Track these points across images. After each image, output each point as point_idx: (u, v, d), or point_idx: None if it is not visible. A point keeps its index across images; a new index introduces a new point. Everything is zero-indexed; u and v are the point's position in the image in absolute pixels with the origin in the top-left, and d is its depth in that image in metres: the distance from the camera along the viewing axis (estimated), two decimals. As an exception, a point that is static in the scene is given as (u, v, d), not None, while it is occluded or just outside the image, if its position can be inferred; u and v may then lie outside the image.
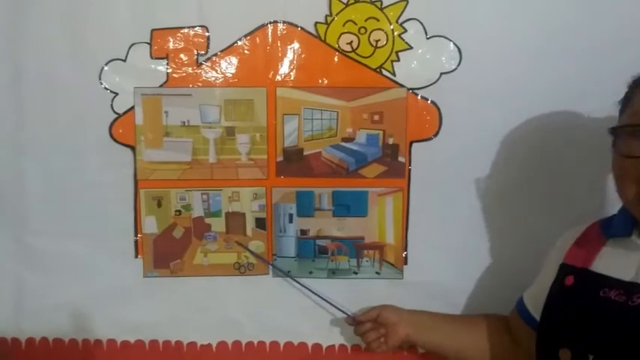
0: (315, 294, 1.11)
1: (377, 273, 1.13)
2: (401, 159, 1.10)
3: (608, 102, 1.03)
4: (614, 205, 0.88)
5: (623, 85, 1.03)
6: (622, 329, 0.75)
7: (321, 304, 1.13)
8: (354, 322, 1.07)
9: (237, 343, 1.16)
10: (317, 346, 1.15)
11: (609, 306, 0.77)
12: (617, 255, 0.81)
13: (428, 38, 1.07)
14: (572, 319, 0.81)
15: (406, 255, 1.13)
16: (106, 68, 1.08)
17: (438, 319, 1.07)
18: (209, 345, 1.16)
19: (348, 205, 1.12)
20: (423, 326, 1.05)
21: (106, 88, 1.09)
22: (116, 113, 1.10)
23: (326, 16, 1.07)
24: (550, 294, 0.87)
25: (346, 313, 1.10)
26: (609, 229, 0.84)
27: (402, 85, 1.08)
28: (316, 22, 1.07)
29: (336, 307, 1.10)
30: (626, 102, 0.81)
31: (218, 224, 1.13)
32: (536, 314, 0.92)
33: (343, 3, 1.07)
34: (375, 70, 1.08)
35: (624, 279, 0.77)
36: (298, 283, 1.11)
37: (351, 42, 1.08)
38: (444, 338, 1.04)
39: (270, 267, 1.14)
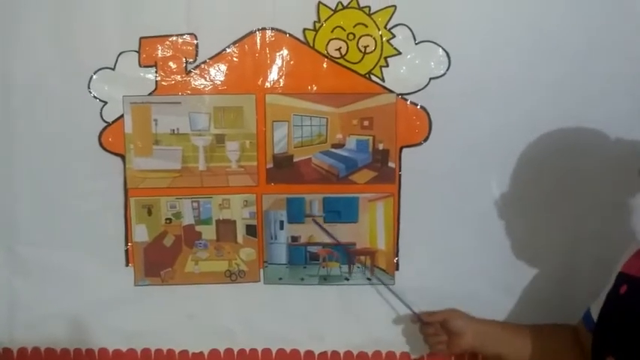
0: (402, 301, 1.09)
1: (368, 279, 1.13)
2: (391, 164, 1.10)
3: (595, 104, 1.05)
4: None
5: (611, 85, 1.05)
6: None
7: (313, 310, 1.13)
8: (420, 320, 1.06)
9: (229, 351, 1.15)
10: (309, 353, 1.15)
11: None
12: None
13: (416, 43, 1.07)
14: (621, 327, 0.81)
15: (397, 261, 1.13)
16: (94, 77, 1.09)
17: (507, 331, 1.04)
18: (201, 353, 1.15)
19: (339, 211, 1.12)
20: (490, 338, 1.02)
21: (95, 97, 1.09)
22: (105, 122, 1.10)
23: (314, 22, 1.07)
24: (606, 301, 0.87)
25: (412, 311, 1.07)
26: None
27: (391, 91, 1.08)
28: (305, 29, 1.07)
29: (407, 306, 1.08)
30: None
31: (209, 232, 1.13)
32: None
33: (331, 9, 1.07)
34: (364, 75, 1.08)
35: None
36: (394, 294, 1.10)
37: (340, 48, 1.08)
38: (511, 351, 1.01)
39: (262, 273, 1.14)
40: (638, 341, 0.77)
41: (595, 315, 0.92)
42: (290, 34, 1.08)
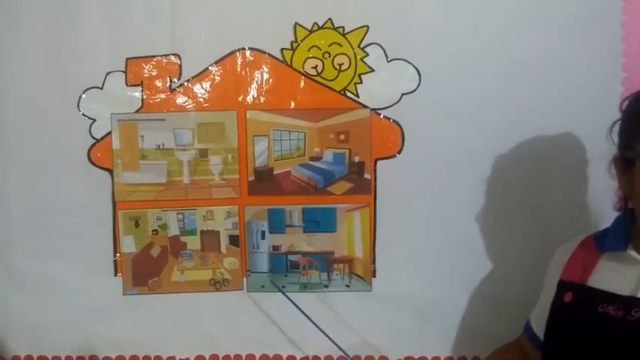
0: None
1: (347, 286, 1.18)
2: (367, 176, 1.15)
3: (561, 116, 1.10)
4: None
5: (576, 97, 1.10)
6: (621, 344, 0.75)
7: (294, 317, 1.18)
8: None
9: (214, 357, 1.20)
10: (291, 358, 1.19)
11: (608, 321, 0.77)
12: (614, 269, 0.82)
13: (388, 61, 1.13)
14: (572, 335, 0.82)
15: (374, 268, 1.17)
16: (84, 96, 1.14)
17: None
18: (187, 359, 1.20)
19: (318, 221, 1.17)
20: None
21: (84, 115, 1.15)
22: (94, 138, 1.15)
23: (291, 42, 1.13)
24: (551, 311, 0.87)
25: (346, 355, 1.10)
26: (604, 244, 0.85)
27: (365, 106, 1.14)
28: (282, 48, 1.13)
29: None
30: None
31: (193, 242, 1.18)
32: (541, 334, 0.91)
33: (307, 30, 1.13)
34: (339, 92, 1.14)
35: (622, 293, 0.78)
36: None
37: (316, 66, 1.13)
38: None
39: (245, 281, 1.18)
40: (589, 346, 0.79)
41: (535, 326, 0.95)
42: (269, 54, 1.14)
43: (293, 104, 1.15)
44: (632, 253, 0.80)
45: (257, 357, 1.20)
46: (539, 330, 0.91)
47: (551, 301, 0.87)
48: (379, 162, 1.15)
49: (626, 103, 0.82)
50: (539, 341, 0.92)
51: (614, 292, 0.78)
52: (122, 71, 1.14)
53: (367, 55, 1.13)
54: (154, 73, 1.14)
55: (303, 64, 1.13)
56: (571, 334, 0.82)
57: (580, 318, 0.81)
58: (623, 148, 0.80)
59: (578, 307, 0.82)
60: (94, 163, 1.16)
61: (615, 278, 0.80)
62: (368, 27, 1.12)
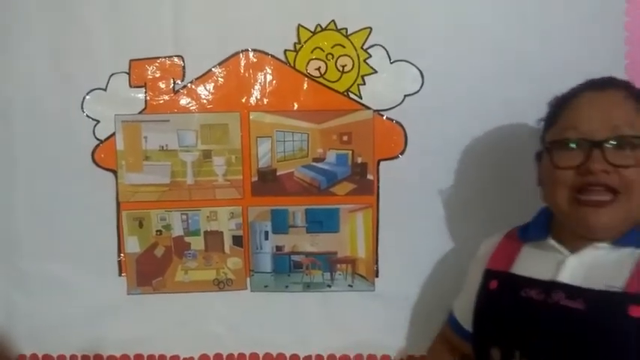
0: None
1: (350, 286, 1.19)
2: (369, 177, 1.16)
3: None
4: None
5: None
6: (542, 325, 0.81)
7: (297, 316, 1.19)
8: None
9: (218, 356, 1.21)
10: (295, 357, 1.21)
11: (530, 305, 0.83)
12: (535, 257, 0.89)
13: (391, 63, 1.13)
14: (498, 320, 0.88)
15: (377, 268, 1.18)
16: (87, 97, 1.15)
17: None
18: (191, 358, 1.21)
19: (321, 222, 1.18)
20: None
21: (88, 116, 1.15)
22: (98, 139, 1.16)
23: (294, 43, 1.13)
24: (478, 299, 0.93)
25: None
26: (526, 234, 0.93)
27: (368, 107, 1.14)
28: (285, 50, 1.14)
29: None
30: (552, 119, 0.89)
31: (197, 243, 1.19)
32: (465, 323, 0.98)
33: (311, 31, 1.13)
34: (342, 93, 1.14)
35: (543, 278, 0.84)
36: None
37: (319, 68, 1.14)
38: None
39: (248, 281, 1.19)
40: (514, 330, 0.84)
41: (459, 316, 1.02)
42: (272, 55, 1.14)
43: (296, 106, 1.15)
44: (552, 241, 0.87)
45: (260, 356, 1.21)
46: (463, 319, 0.99)
47: (477, 290, 0.93)
48: (382, 163, 1.16)
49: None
50: (463, 330, 0.99)
51: (536, 277, 0.85)
52: (126, 73, 1.15)
53: (370, 56, 1.13)
54: (157, 75, 1.15)
55: (307, 66, 1.14)
56: (497, 319, 0.88)
57: (505, 303, 0.87)
58: (541, 142, 0.91)
59: (502, 293, 0.89)
60: (98, 164, 1.17)
61: (537, 265, 0.87)
62: (371, 28, 1.12)
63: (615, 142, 0.79)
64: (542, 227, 0.90)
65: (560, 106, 0.88)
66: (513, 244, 0.94)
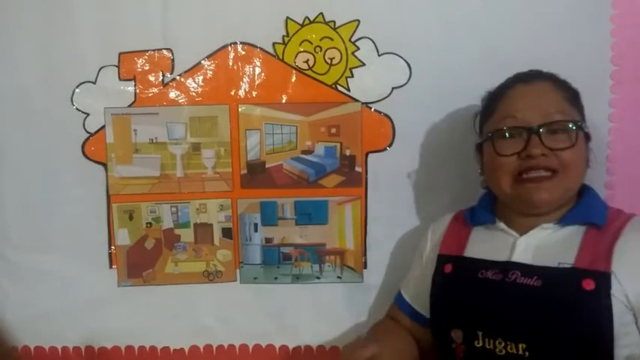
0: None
1: (338, 277, 1.20)
2: (358, 169, 1.17)
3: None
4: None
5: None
6: (502, 303, 0.86)
7: (287, 308, 1.19)
8: None
9: (208, 347, 1.22)
10: (284, 348, 1.21)
11: (488, 285, 0.88)
12: (487, 240, 0.95)
13: (379, 55, 1.14)
14: (457, 302, 0.92)
15: (365, 259, 1.19)
16: (77, 91, 1.16)
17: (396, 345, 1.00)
18: (182, 349, 1.22)
19: (310, 214, 1.18)
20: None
21: (77, 109, 1.16)
22: (88, 132, 1.17)
23: (283, 36, 1.14)
24: (433, 284, 0.97)
25: None
26: (474, 218, 0.99)
27: (356, 100, 1.15)
28: (274, 43, 1.14)
29: None
30: (488, 112, 0.96)
31: (187, 235, 1.19)
32: (416, 305, 1.02)
33: (299, 24, 1.13)
34: (330, 86, 1.15)
35: (499, 260, 0.90)
36: None
37: (308, 60, 1.14)
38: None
39: (238, 273, 1.20)
40: (473, 310, 0.88)
41: (407, 295, 1.05)
42: (260, 48, 1.15)
43: (285, 98, 1.16)
44: (501, 224, 0.94)
45: (250, 347, 1.22)
46: (411, 298, 1.04)
47: (432, 275, 0.97)
48: (370, 155, 1.16)
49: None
50: (411, 309, 1.04)
51: (492, 259, 0.91)
52: (115, 66, 1.15)
53: (358, 49, 1.14)
54: (146, 68, 1.15)
55: (295, 58, 1.14)
56: (456, 301, 0.92)
57: (462, 285, 0.92)
58: (479, 134, 0.98)
59: (459, 276, 0.94)
60: (88, 157, 1.17)
61: (489, 247, 0.93)
62: (359, 21, 1.13)
63: (550, 128, 0.87)
64: (489, 211, 0.97)
65: (496, 99, 0.95)
66: (462, 228, 1.00)
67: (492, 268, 0.89)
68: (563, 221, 0.90)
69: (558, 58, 1.10)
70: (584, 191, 0.94)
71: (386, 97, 1.14)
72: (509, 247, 0.90)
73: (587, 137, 0.93)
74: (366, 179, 1.17)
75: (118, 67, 1.15)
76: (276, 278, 1.20)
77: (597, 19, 1.10)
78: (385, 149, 1.16)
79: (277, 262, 1.20)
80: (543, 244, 0.89)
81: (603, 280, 0.81)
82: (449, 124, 1.14)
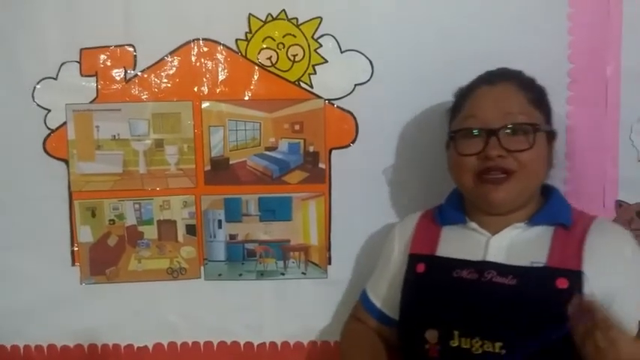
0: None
1: (303, 273, 1.20)
2: (321, 165, 1.17)
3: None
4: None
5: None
6: (479, 303, 0.86)
7: (251, 304, 1.19)
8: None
9: (172, 344, 1.21)
10: (249, 345, 1.21)
11: (464, 284, 0.88)
12: (459, 239, 0.95)
13: (342, 52, 1.14)
14: (432, 302, 0.91)
15: (330, 255, 1.20)
16: (38, 87, 1.14)
17: None
18: (145, 347, 1.21)
19: (274, 210, 1.19)
20: None
21: (38, 105, 1.15)
22: (49, 129, 1.16)
23: (246, 33, 1.14)
24: (405, 284, 0.96)
25: None
26: (444, 218, 0.99)
27: (319, 97, 1.15)
28: (237, 39, 1.14)
29: None
30: (456, 110, 0.98)
31: (150, 232, 1.19)
32: (386, 308, 1.02)
33: (261, 20, 1.14)
34: (293, 82, 1.15)
35: (473, 259, 0.90)
36: None
37: (271, 57, 1.15)
38: None
39: (202, 270, 1.20)
40: (447, 309, 0.88)
41: (373, 296, 1.04)
42: (223, 44, 1.15)
43: (248, 95, 1.16)
44: (473, 224, 0.94)
45: (215, 344, 1.22)
46: (381, 302, 1.03)
47: (404, 275, 0.97)
48: (334, 151, 1.17)
49: None
50: (381, 313, 1.03)
51: (465, 258, 0.91)
52: (77, 62, 1.14)
53: (321, 46, 1.14)
54: (108, 64, 1.15)
55: (258, 55, 1.15)
56: (430, 301, 0.91)
57: (436, 285, 0.92)
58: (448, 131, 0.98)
59: (432, 275, 0.93)
60: (49, 154, 1.16)
61: (462, 247, 0.93)
62: (321, 18, 1.14)
63: (509, 130, 0.89)
64: (458, 211, 0.98)
65: (462, 98, 0.97)
66: (432, 227, 0.99)
67: (467, 268, 0.90)
68: (532, 221, 0.91)
69: (517, 56, 1.11)
70: (551, 192, 0.96)
71: (349, 94, 1.15)
72: (482, 247, 0.91)
73: (552, 137, 0.95)
74: (330, 175, 1.18)
75: (79, 62, 1.14)
76: (240, 275, 1.20)
77: (554, 16, 1.12)
78: (348, 146, 1.17)
79: (242, 258, 1.20)
80: (515, 244, 0.90)
81: (576, 278, 0.84)
82: (412, 121, 1.15)
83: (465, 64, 1.12)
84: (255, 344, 1.21)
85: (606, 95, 1.12)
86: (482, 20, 1.13)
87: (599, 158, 1.13)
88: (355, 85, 1.15)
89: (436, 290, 0.91)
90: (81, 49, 1.14)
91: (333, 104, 1.16)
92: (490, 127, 0.89)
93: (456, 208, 0.98)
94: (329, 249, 1.19)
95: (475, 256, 0.91)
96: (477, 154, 0.90)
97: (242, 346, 1.21)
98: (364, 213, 1.18)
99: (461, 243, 0.94)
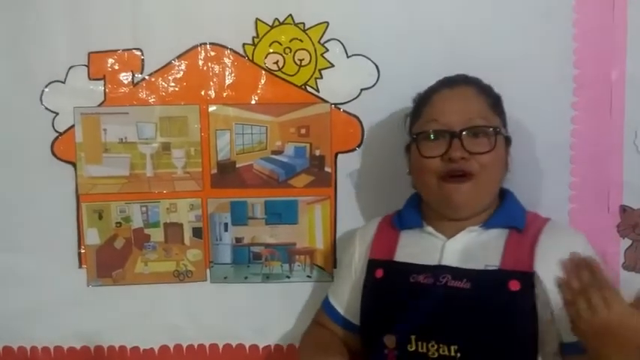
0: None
1: (308, 276, 1.21)
2: (327, 169, 1.18)
3: (512, 112, 1.13)
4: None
5: (527, 95, 1.13)
6: (434, 307, 0.87)
7: (257, 307, 1.20)
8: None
9: (178, 347, 1.22)
10: (254, 347, 1.22)
11: (420, 289, 0.89)
12: (416, 244, 0.96)
13: (348, 57, 1.15)
14: (390, 307, 0.92)
15: (335, 259, 1.20)
16: (46, 90, 1.15)
17: None
18: (151, 349, 1.22)
19: (280, 214, 1.19)
20: None
21: (47, 109, 1.16)
22: (57, 132, 1.17)
23: (253, 37, 1.15)
24: (364, 289, 0.97)
25: None
26: (401, 223, 1.00)
27: (325, 101, 1.16)
28: (244, 43, 1.15)
29: None
30: (416, 114, 0.99)
31: (157, 234, 1.20)
32: (349, 314, 1.02)
33: (268, 25, 1.14)
34: (300, 87, 1.16)
35: (429, 264, 0.91)
36: None
37: (277, 61, 1.15)
38: None
39: (208, 272, 1.20)
40: (405, 314, 0.88)
41: (339, 308, 1.04)
42: (230, 49, 1.15)
43: (255, 99, 1.16)
44: (429, 228, 0.96)
45: (220, 347, 1.22)
46: (343, 308, 1.03)
47: (363, 281, 0.97)
48: (339, 156, 1.18)
49: None
50: (344, 319, 1.03)
51: (422, 263, 0.92)
52: (85, 65, 1.15)
53: (327, 50, 1.15)
54: (116, 67, 1.16)
55: (265, 59, 1.15)
56: (388, 306, 0.92)
57: (394, 290, 0.93)
58: (409, 135, 1.00)
59: (390, 280, 0.94)
60: (57, 157, 1.17)
61: (419, 252, 0.94)
62: (328, 23, 1.14)
63: (470, 132, 0.90)
64: (416, 215, 0.99)
65: (422, 102, 0.98)
66: (390, 232, 1.00)
67: (423, 272, 0.91)
68: (487, 224, 0.93)
69: (523, 62, 1.13)
70: (506, 195, 0.98)
71: (355, 99, 1.16)
72: (438, 251, 0.93)
73: (507, 142, 0.97)
74: (336, 179, 1.18)
75: (87, 66, 1.15)
76: (246, 278, 1.20)
77: (560, 23, 1.12)
78: (354, 150, 1.17)
79: (247, 261, 1.20)
80: (470, 247, 0.92)
81: (527, 280, 0.85)
82: (416, 125, 1.15)
83: (470, 70, 1.12)
84: (261, 347, 1.22)
85: (611, 101, 1.12)
86: (487, 26, 1.13)
87: (604, 163, 1.13)
88: (361, 89, 1.16)
89: (393, 295, 0.92)
90: (89, 53, 1.15)
91: (339, 108, 1.16)
92: (453, 130, 0.90)
93: (413, 213, 1.00)
94: (334, 252, 1.20)
95: (431, 260, 0.92)
96: (441, 157, 0.91)
97: (247, 348, 1.22)
98: (369, 217, 1.18)
99: (418, 247, 0.95)
